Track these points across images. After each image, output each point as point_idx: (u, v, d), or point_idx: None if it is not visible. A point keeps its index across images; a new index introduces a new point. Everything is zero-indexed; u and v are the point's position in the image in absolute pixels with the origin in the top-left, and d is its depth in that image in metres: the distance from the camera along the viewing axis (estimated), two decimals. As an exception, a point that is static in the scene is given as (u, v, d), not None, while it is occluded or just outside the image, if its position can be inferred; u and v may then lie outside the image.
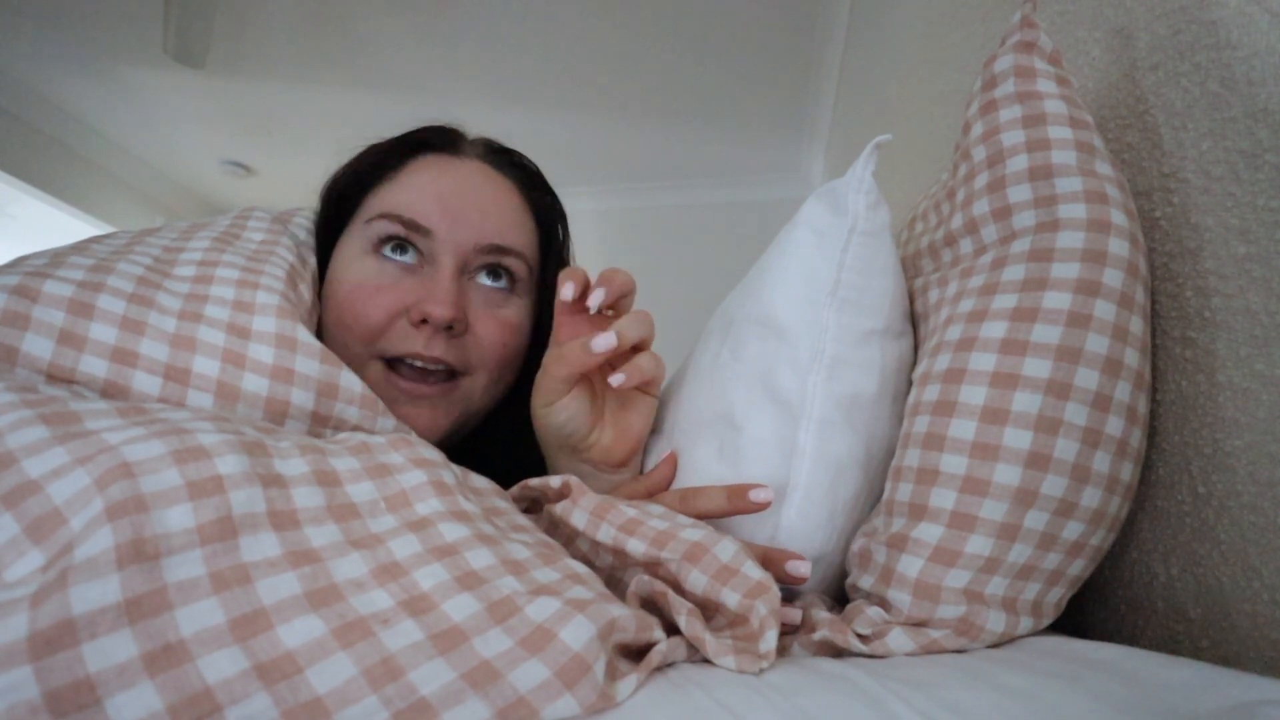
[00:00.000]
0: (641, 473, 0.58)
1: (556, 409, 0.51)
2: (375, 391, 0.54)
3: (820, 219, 0.49)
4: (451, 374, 0.57)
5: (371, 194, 0.59)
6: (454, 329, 0.55)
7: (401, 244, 0.56)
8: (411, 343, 0.55)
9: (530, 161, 0.66)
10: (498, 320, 0.58)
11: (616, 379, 0.48)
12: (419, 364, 0.55)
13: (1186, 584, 0.42)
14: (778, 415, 0.47)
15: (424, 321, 0.54)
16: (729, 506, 0.45)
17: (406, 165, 0.60)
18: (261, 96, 2.65)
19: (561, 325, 0.52)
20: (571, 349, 0.48)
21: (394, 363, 0.56)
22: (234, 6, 2.16)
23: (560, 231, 0.67)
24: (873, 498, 0.48)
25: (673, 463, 0.52)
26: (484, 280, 0.58)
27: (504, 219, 0.59)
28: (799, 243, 0.49)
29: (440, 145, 0.62)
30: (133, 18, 2.21)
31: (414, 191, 0.57)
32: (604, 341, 0.46)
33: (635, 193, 3.22)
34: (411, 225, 0.56)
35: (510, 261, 0.59)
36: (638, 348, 0.50)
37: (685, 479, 0.51)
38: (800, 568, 0.42)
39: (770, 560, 0.43)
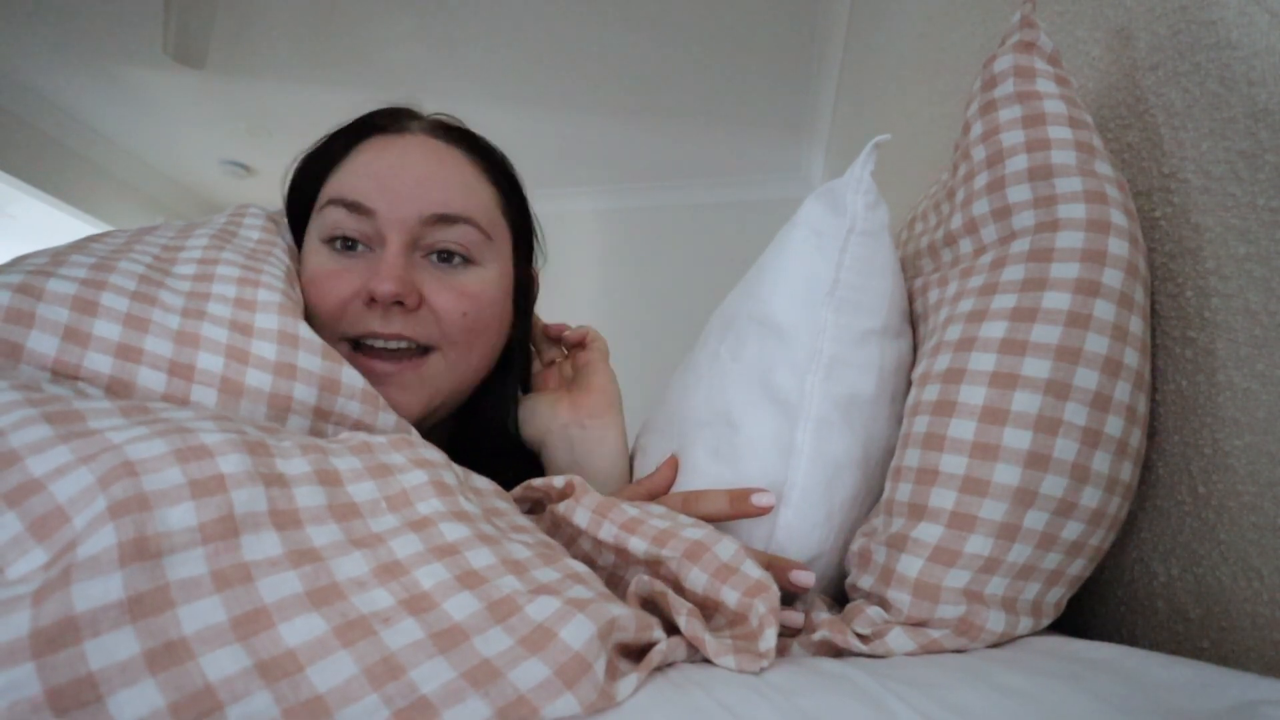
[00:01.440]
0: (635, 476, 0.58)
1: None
2: None
3: (819, 219, 0.49)
4: (421, 351, 0.57)
5: (325, 183, 0.59)
6: (405, 304, 0.54)
7: (348, 241, 0.56)
8: (368, 322, 0.54)
9: (480, 136, 0.65)
10: (455, 290, 0.57)
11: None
12: (380, 344, 0.55)
13: (1186, 584, 0.42)
14: (775, 415, 0.47)
15: (374, 300, 0.54)
16: (731, 510, 0.45)
17: (353, 150, 0.60)
18: (261, 96, 2.65)
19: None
20: None
21: (360, 345, 0.56)
22: (234, 6, 2.16)
23: (520, 195, 0.66)
24: (871, 498, 0.48)
25: (674, 465, 0.52)
26: (436, 262, 0.58)
27: (448, 187, 0.58)
28: (798, 243, 0.49)
29: (385, 126, 0.61)
30: (133, 18, 2.21)
31: (356, 174, 0.57)
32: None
33: (635, 193, 3.22)
34: (354, 206, 0.55)
35: (460, 232, 0.57)
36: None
37: (683, 478, 0.51)
38: (803, 577, 0.42)
39: (773, 567, 0.43)
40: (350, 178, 0.57)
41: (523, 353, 0.68)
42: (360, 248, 0.56)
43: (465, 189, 0.59)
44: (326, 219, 0.56)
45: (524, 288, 0.66)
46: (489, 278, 0.59)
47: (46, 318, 0.41)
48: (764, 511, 0.45)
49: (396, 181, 0.56)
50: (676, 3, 2.07)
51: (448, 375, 0.58)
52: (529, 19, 2.16)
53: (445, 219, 0.56)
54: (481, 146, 0.64)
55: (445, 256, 0.57)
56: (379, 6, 2.13)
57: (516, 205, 0.65)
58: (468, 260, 0.58)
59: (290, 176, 0.63)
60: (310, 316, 0.55)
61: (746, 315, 0.51)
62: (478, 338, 0.59)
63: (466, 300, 0.57)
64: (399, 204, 0.55)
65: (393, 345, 0.55)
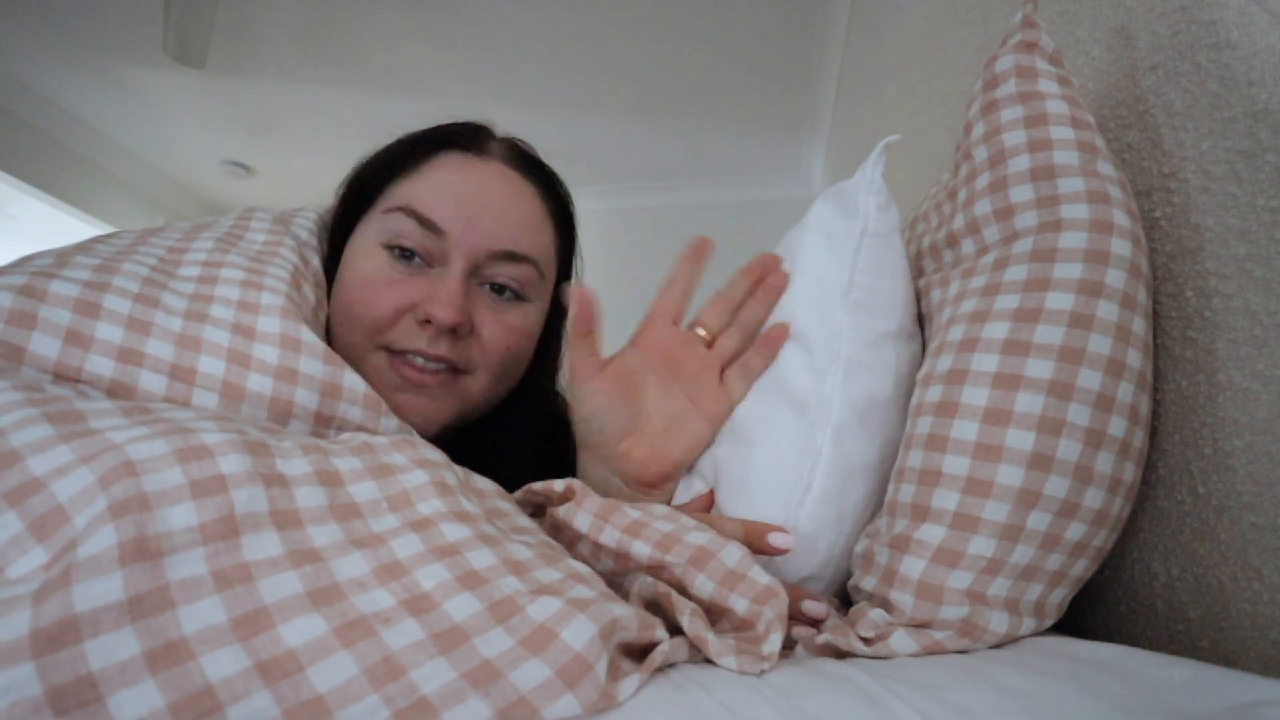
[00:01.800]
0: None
1: (583, 398, 0.51)
2: (376, 378, 0.54)
3: (830, 221, 0.49)
4: (454, 371, 0.57)
5: (392, 185, 0.59)
6: (458, 332, 0.55)
7: (407, 252, 0.56)
8: (416, 340, 0.55)
9: (550, 169, 0.66)
10: (503, 324, 0.58)
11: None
12: (420, 361, 0.56)
13: (1186, 584, 0.42)
14: (793, 418, 0.47)
15: (428, 321, 0.54)
16: (744, 544, 0.45)
17: (430, 160, 0.59)
18: (261, 96, 2.65)
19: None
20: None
21: (396, 354, 0.56)
22: (234, 6, 2.16)
23: (573, 234, 0.67)
24: (880, 499, 0.48)
25: (708, 503, 0.50)
26: (490, 292, 0.58)
27: (521, 225, 0.59)
28: (809, 245, 0.49)
29: (465, 144, 0.61)
30: (133, 18, 2.21)
31: (433, 189, 0.57)
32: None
33: (635, 193, 3.23)
34: (426, 223, 0.56)
35: (520, 271, 0.58)
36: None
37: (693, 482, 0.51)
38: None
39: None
40: (426, 192, 0.57)
41: (542, 392, 0.68)
42: (418, 261, 0.56)
43: (534, 229, 0.60)
44: (392, 224, 0.56)
45: (554, 316, 0.66)
46: (533, 315, 0.61)
47: (49, 320, 0.41)
48: (779, 553, 0.44)
49: (474, 209, 0.57)
50: (677, 3, 2.07)
51: (478, 397, 0.59)
52: (529, 18, 2.16)
53: (512, 256, 0.58)
54: (552, 183, 0.65)
55: (498, 289, 0.58)
56: (379, 6, 2.14)
57: (568, 243, 0.66)
58: (518, 296, 0.59)
59: (356, 169, 0.63)
60: (345, 315, 0.56)
61: (759, 318, 0.51)
62: (510, 370, 0.61)
63: (512, 335, 0.59)
64: (472, 232, 0.56)
65: (432, 366, 0.56)
